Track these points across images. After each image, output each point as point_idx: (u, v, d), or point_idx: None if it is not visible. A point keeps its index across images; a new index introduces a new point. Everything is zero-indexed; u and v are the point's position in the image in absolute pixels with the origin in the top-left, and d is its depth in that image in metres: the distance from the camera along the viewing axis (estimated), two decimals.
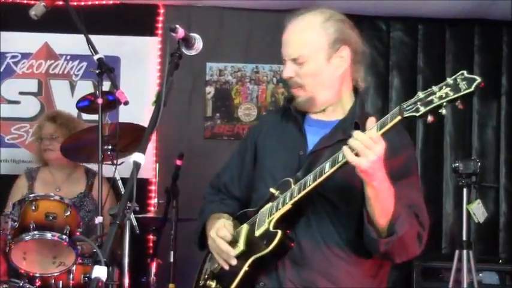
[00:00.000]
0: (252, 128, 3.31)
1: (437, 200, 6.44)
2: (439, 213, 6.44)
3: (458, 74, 2.34)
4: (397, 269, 5.93)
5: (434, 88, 2.36)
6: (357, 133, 2.48)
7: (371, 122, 2.52)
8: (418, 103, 2.38)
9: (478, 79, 2.30)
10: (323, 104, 2.91)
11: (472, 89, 2.29)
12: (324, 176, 2.60)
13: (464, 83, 2.31)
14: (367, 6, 6.13)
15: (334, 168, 2.57)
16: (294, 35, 2.88)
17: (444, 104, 2.33)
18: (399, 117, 2.41)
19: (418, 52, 6.64)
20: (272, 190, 2.83)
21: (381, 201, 2.56)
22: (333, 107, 2.93)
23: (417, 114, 2.37)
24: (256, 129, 3.18)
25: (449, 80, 2.34)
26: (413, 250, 2.71)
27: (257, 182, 3.03)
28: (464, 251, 5.27)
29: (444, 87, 2.34)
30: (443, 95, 2.33)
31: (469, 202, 5.29)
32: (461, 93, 2.31)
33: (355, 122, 2.83)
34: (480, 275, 5.63)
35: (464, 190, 5.28)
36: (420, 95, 2.39)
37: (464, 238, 5.30)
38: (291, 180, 2.78)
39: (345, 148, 2.50)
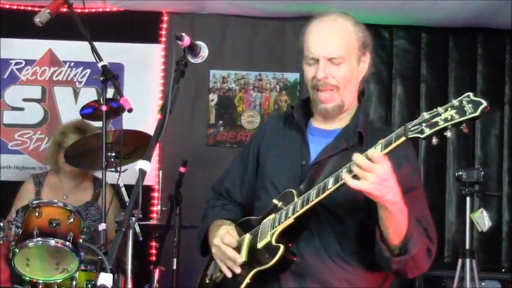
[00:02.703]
0: (254, 134, 3.27)
1: (440, 209, 6.43)
2: (441, 222, 6.44)
3: (464, 95, 2.31)
4: (399, 278, 5.92)
5: (440, 109, 2.34)
6: (356, 156, 2.46)
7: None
8: (423, 124, 2.35)
9: (484, 103, 2.27)
10: (347, 109, 2.90)
11: (478, 113, 2.26)
12: (327, 193, 2.59)
13: (470, 105, 2.28)
14: (370, 14, 6.14)
15: (337, 185, 2.56)
16: (331, 35, 2.84)
17: (449, 127, 2.31)
18: (404, 138, 2.40)
19: (421, 60, 6.65)
20: (275, 201, 2.83)
21: (395, 223, 2.54)
22: (342, 114, 2.92)
23: (422, 136, 2.35)
24: (258, 135, 3.16)
25: (455, 102, 2.31)
26: (424, 266, 2.70)
27: (259, 190, 3.02)
28: (467, 260, 5.26)
29: (450, 108, 2.31)
30: (449, 118, 2.30)
31: (472, 211, 5.28)
32: (467, 117, 2.28)
33: (358, 131, 2.83)
34: (483, 283, 5.62)
35: (468, 199, 5.27)
36: (425, 115, 2.36)
37: (467, 247, 5.29)
38: (294, 192, 2.77)
39: (344, 172, 2.49)
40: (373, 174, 2.42)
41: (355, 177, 2.47)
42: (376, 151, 2.44)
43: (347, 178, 2.46)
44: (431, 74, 6.63)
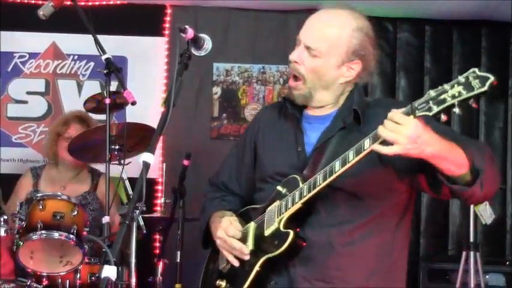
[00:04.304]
0: (249, 126, 3.27)
1: (443, 202, 6.42)
2: (445, 215, 6.45)
3: (470, 71, 2.30)
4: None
5: (446, 86, 2.32)
6: (385, 122, 2.42)
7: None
8: (430, 102, 2.34)
9: (491, 77, 2.26)
10: (319, 103, 2.90)
11: (486, 88, 2.25)
12: (334, 175, 2.59)
13: (476, 81, 2.27)
14: (374, 7, 6.13)
15: (344, 168, 2.55)
16: (321, 25, 2.83)
17: (457, 103, 2.29)
18: (411, 117, 2.38)
19: (425, 53, 6.64)
20: (279, 188, 2.83)
21: (452, 161, 2.46)
22: (331, 104, 2.91)
23: (430, 114, 2.34)
24: (254, 126, 3.15)
25: (461, 78, 2.30)
26: (498, 173, 2.65)
27: (259, 181, 3.03)
28: (471, 253, 5.27)
29: (456, 85, 2.30)
30: (456, 94, 2.29)
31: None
32: (475, 92, 2.27)
33: (353, 109, 2.81)
34: (487, 276, 5.63)
35: None
36: (432, 93, 2.35)
37: (471, 240, 5.30)
38: (298, 178, 2.77)
39: (370, 140, 2.46)
40: (402, 135, 2.37)
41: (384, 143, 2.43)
42: (396, 113, 2.40)
43: (378, 146, 2.43)
44: (435, 66, 6.62)
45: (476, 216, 5.32)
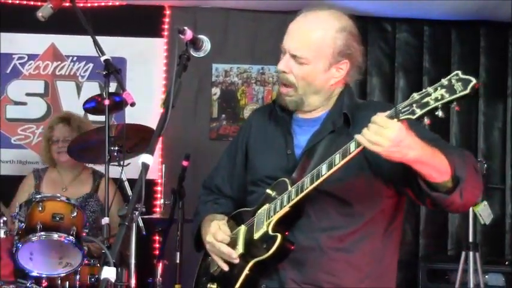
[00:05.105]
0: (241, 128, 3.30)
1: None
2: (445, 215, 6.44)
3: (453, 74, 2.31)
4: (402, 271, 5.92)
5: (429, 89, 2.33)
6: (369, 125, 2.42)
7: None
8: (414, 105, 2.34)
9: (474, 80, 2.28)
10: (311, 107, 2.90)
11: (468, 91, 2.26)
12: (321, 179, 2.60)
13: (459, 84, 2.28)
14: (373, 7, 6.14)
15: (331, 171, 2.56)
16: (303, 31, 2.83)
17: (439, 106, 2.30)
18: (395, 120, 2.38)
19: (424, 53, 6.64)
20: (268, 191, 2.83)
21: (433, 167, 2.47)
22: (322, 107, 2.91)
23: (413, 117, 2.34)
24: (245, 129, 3.16)
25: (444, 81, 2.31)
26: (480, 183, 2.63)
27: (250, 184, 3.03)
28: (471, 253, 5.28)
29: (439, 88, 2.31)
30: (439, 97, 2.30)
31: (475, 203, 5.28)
32: (457, 96, 2.27)
33: (344, 113, 2.82)
34: (486, 276, 5.63)
35: None
36: (415, 96, 2.35)
37: (470, 240, 5.30)
38: (287, 181, 2.78)
39: (358, 137, 2.45)
40: (385, 138, 2.38)
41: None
42: (380, 116, 2.41)
43: (361, 138, 2.43)
44: (434, 67, 6.62)
45: (475, 216, 5.32)
